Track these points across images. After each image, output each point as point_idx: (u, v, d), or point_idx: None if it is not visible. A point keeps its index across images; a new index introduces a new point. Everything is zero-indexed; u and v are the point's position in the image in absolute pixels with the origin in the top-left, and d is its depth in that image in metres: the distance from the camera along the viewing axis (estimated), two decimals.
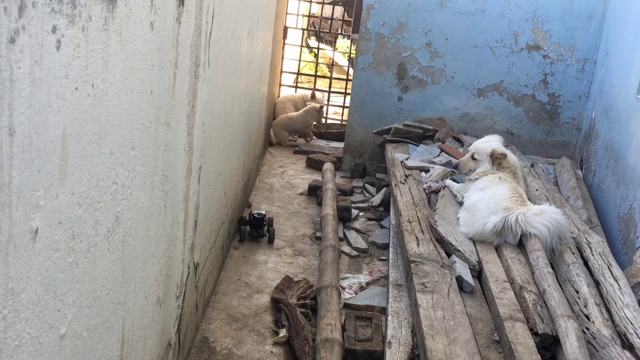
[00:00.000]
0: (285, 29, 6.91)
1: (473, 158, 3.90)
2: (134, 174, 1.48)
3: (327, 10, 9.39)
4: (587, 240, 3.29)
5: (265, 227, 3.98)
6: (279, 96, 7.12)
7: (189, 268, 2.40)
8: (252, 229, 3.95)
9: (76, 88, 1.07)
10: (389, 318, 2.82)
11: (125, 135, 1.39)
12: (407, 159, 4.64)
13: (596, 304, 2.78)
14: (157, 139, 1.67)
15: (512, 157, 3.83)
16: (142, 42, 1.42)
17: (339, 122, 7.37)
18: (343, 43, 12.15)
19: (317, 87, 7.52)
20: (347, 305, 3.22)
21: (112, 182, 1.34)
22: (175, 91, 1.81)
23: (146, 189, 1.61)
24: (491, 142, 3.93)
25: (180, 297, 2.30)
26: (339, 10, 10.25)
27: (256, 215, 3.94)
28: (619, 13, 4.65)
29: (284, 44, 7.00)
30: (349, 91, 6.53)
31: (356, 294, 3.36)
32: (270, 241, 3.98)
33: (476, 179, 3.76)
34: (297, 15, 7.13)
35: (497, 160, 3.74)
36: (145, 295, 1.74)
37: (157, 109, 1.63)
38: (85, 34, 1.08)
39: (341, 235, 4.17)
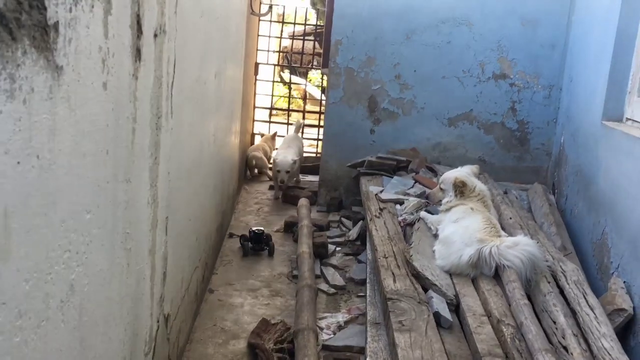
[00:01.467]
0: (257, 65, 6.95)
1: (441, 188, 3.95)
2: (89, 238, 1.44)
3: (300, 43, 9.47)
4: (562, 268, 3.30)
5: (265, 242, 4.45)
6: (252, 133, 7.12)
7: (158, 322, 2.33)
8: (253, 244, 4.43)
9: (18, 162, 1.04)
10: (367, 359, 2.78)
11: (78, 201, 1.35)
12: (381, 191, 4.64)
13: (574, 334, 2.76)
14: (116, 198, 1.63)
15: (479, 186, 3.86)
16: (94, 104, 1.39)
17: (314, 154, 7.38)
18: (316, 75, 12.26)
19: (290, 120, 7.54)
20: (325, 347, 3.16)
21: (65, 251, 1.29)
22: (134, 146, 1.78)
23: (105, 250, 1.57)
24: (457, 171, 3.96)
25: (150, 353, 2.23)
26: (310, 43, 10.35)
27: (256, 232, 4.45)
28: (580, 41, 4.76)
29: (255, 80, 7.02)
30: (322, 123, 6.55)
31: (334, 334, 3.31)
32: (270, 254, 4.44)
33: (446, 209, 3.78)
34: (268, 51, 7.18)
35: (458, 188, 3.77)
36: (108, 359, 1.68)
37: (114, 168, 1.59)
38: (27, 106, 1.05)
39: (318, 272, 4.13)
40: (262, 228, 4.52)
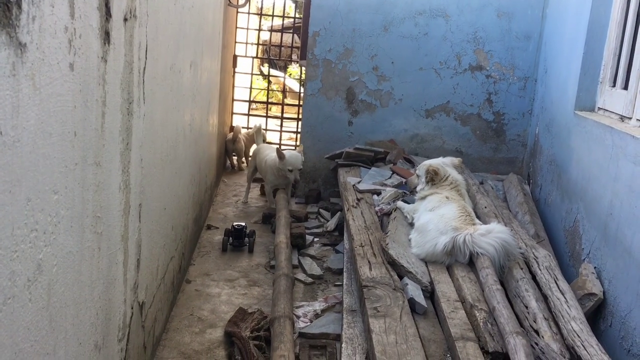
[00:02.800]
0: (235, 57, 6.93)
1: (417, 175, 4.02)
2: (57, 218, 1.44)
3: (279, 36, 9.46)
4: (534, 254, 3.36)
5: (246, 238, 4.36)
6: (231, 125, 7.09)
7: (132, 308, 2.33)
8: (233, 240, 4.34)
9: None
10: (343, 345, 2.80)
11: (45, 180, 1.35)
12: (359, 182, 4.66)
13: (545, 318, 2.82)
14: (85, 181, 1.63)
15: (454, 174, 3.92)
16: (60, 84, 1.39)
17: (293, 147, 7.37)
18: (296, 68, 12.25)
19: (269, 113, 7.53)
20: (302, 335, 3.18)
21: (31, 230, 1.29)
22: (104, 130, 1.78)
23: (74, 232, 1.57)
24: (433, 161, 4.04)
25: (124, 340, 2.23)
26: (290, 37, 10.34)
27: (236, 227, 4.35)
28: (554, 33, 4.83)
29: (234, 72, 7.00)
30: (301, 116, 6.54)
31: (311, 322, 3.33)
32: (250, 250, 4.35)
33: (421, 197, 3.83)
34: (247, 43, 7.16)
35: (428, 175, 3.84)
36: (79, 342, 1.68)
37: (83, 150, 1.59)
38: None
39: (296, 262, 4.14)
40: (243, 223, 4.43)
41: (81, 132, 1.56)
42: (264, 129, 6.62)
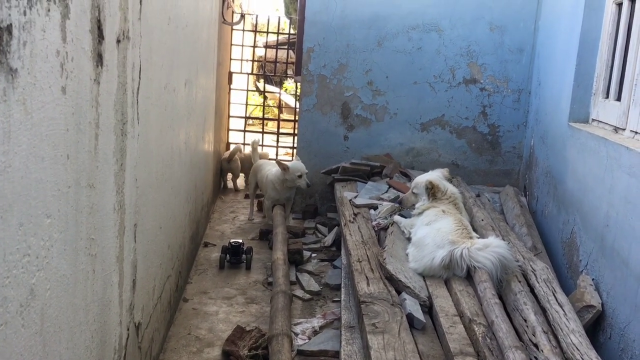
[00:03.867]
0: (230, 74, 6.95)
1: (413, 193, 3.99)
2: (50, 242, 1.43)
3: (274, 52, 9.50)
4: (532, 267, 3.35)
5: (243, 255, 4.35)
6: (227, 143, 7.10)
7: (128, 330, 2.31)
8: (230, 257, 4.33)
9: None
10: None
11: (37, 205, 1.34)
12: (355, 197, 4.66)
13: (544, 331, 2.80)
14: (79, 203, 1.62)
15: (450, 188, 3.92)
16: (52, 108, 1.39)
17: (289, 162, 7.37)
18: (292, 83, 12.29)
19: (266, 129, 7.55)
20: (300, 352, 3.16)
21: (24, 255, 1.29)
22: (98, 152, 1.78)
23: (67, 255, 1.56)
24: (429, 175, 4.02)
25: None
26: (285, 52, 10.40)
27: (233, 244, 4.34)
28: (547, 45, 4.86)
29: (229, 89, 7.02)
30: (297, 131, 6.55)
31: (310, 339, 3.31)
32: (248, 267, 4.35)
33: (419, 213, 3.82)
34: (242, 60, 7.19)
35: (429, 191, 3.83)
36: None
37: (76, 173, 1.59)
38: None
39: (294, 278, 4.13)
40: (240, 240, 4.43)
41: (74, 154, 1.56)
42: (259, 144, 6.63)
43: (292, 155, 7.38)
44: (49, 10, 1.33)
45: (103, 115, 1.80)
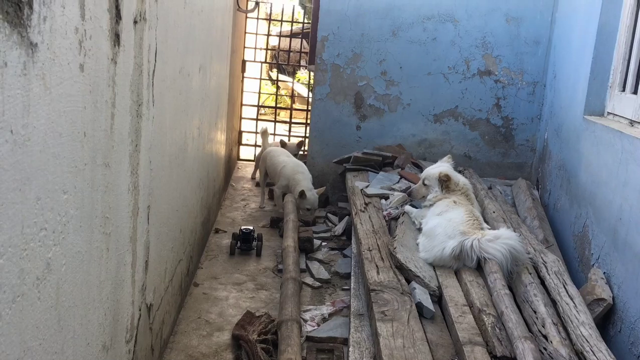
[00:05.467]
0: (244, 62, 6.96)
1: (424, 184, 3.97)
2: (66, 218, 1.45)
3: (287, 42, 9.49)
4: (543, 259, 3.34)
5: (254, 242, 4.40)
6: (240, 130, 7.11)
7: (140, 310, 2.34)
8: (241, 244, 4.38)
9: None
10: (350, 349, 2.79)
11: (55, 180, 1.36)
12: (367, 186, 4.66)
13: (553, 323, 2.80)
14: (94, 181, 1.64)
15: (462, 180, 3.91)
16: (70, 85, 1.40)
17: (302, 152, 7.38)
18: (305, 73, 12.28)
19: (278, 118, 7.55)
20: (309, 338, 3.17)
21: (40, 228, 1.30)
22: (114, 131, 1.79)
23: (83, 232, 1.58)
24: (440, 167, 4.00)
25: (132, 341, 2.23)
26: (298, 42, 10.37)
27: (244, 231, 4.40)
28: (563, 37, 4.81)
29: (243, 77, 7.03)
30: (310, 121, 6.55)
31: (319, 325, 3.32)
32: (258, 254, 4.39)
33: (430, 205, 3.80)
34: (255, 48, 7.19)
35: (443, 182, 3.81)
36: (87, 342, 1.69)
37: (92, 151, 1.60)
38: (0, 80, 1.06)
39: (304, 266, 4.14)
40: (250, 227, 4.46)
41: (91, 132, 1.58)
42: (270, 133, 6.62)
43: (304, 145, 7.33)
44: None
45: (119, 95, 1.82)
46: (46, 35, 1.24)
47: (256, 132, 6.99)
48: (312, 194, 4.97)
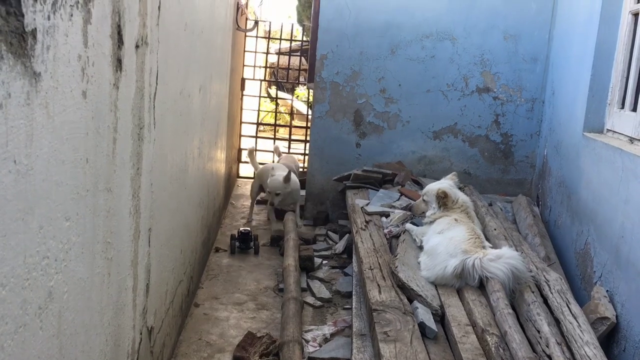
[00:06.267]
0: (243, 80, 6.98)
1: (424, 200, 3.98)
2: (68, 245, 1.44)
3: (286, 59, 9.54)
4: (545, 278, 3.32)
5: (251, 242, 4.81)
6: (239, 148, 7.11)
7: (141, 334, 2.32)
8: (240, 244, 4.78)
9: None
10: None
11: (57, 208, 1.35)
12: (367, 204, 4.65)
13: (557, 343, 2.78)
14: (96, 207, 1.63)
15: (462, 197, 3.91)
16: (73, 112, 1.40)
17: (301, 168, 7.39)
18: (304, 90, 12.33)
19: (277, 135, 7.56)
20: (311, 359, 3.15)
21: (43, 257, 1.29)
22: (115, 156, 1.79)
23: (85, 259, 1.57)
24: (441, 184, 4.01)
25: None
26: (297, 59, 10.42)
27: (243, 231, 4.82)
28: (561, 55, 4.84)
29: (242, 95, 7.05)
30: (309, 138, 6.56)
31: (320, 346, 3.30)
32: (256, 252, 4.80)
33: (430, 221, 3.80)
34: (254, 66, 7.22)
35: (441, 199, 3.81)
36: None
37: (94, 177, 1.60)
38: (4, 111, 1.06)
39: (305, 285, 4.12)
40: (248, 228, 4.88)
41: (93, 158, 1.57)
42: (255, 150, 6.66)
43: (304, 162, 7.36)
44: (71, 15, 1.35)
45: (121, 120, 1.82)
46: (49, 64, 1.24)
47: (243, 149, 6.95)
48: (274, 178, 5.23)
